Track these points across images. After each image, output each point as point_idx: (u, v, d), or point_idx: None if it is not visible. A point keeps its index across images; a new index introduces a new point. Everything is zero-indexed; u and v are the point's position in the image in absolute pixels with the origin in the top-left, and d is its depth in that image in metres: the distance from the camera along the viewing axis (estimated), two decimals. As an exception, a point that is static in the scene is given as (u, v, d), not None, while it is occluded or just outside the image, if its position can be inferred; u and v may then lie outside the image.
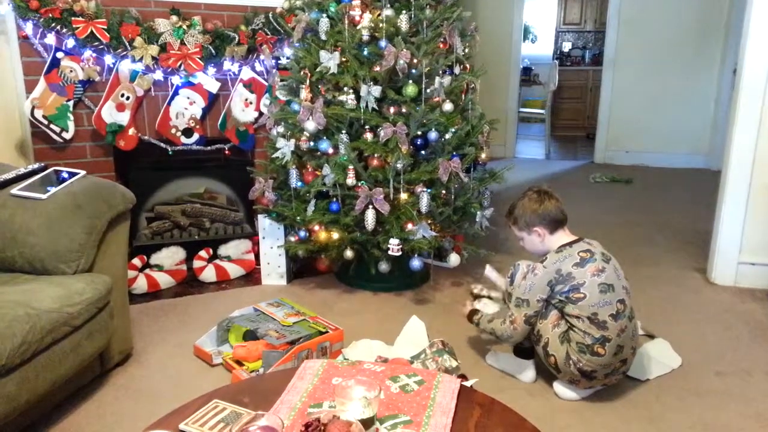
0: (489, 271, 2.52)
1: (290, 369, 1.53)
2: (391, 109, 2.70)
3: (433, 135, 2.68)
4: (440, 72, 2.77)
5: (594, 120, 6.69)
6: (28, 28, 2.76)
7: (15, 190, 2.12)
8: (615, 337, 1.97)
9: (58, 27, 2.78)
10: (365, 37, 2.65)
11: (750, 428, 1.97)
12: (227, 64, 3.11)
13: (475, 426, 1.28)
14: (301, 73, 2.78)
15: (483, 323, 2.25)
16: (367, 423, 1.20)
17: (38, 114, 2.84)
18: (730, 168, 3.03)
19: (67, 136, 2.93)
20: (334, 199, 2.73)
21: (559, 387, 2.12)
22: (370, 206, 2.63)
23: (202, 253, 3.16)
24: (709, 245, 3.23)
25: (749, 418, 2.02)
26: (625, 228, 4.07)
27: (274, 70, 3.12)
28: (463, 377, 2.14)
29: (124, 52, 2.90)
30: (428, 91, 2.70)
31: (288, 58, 3.06)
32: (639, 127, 6.10)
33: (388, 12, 2.66)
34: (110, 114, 2.95)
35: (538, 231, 2.12)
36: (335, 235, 2.76)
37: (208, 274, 3.09)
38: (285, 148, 2.79)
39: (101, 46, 2.86)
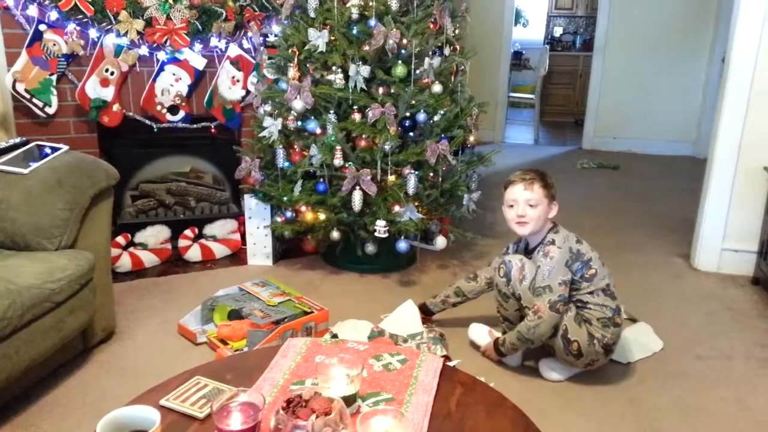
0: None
1: (274, 347, 1.52)
2: (380, 90, 2.68)
3: (421, 116, 2.67)
4: (430, 53, 2.74)
5: (583, 106, 6.68)
6: (9, -2, 2.70)
7: (-5, 164, 2.08)
8: (621, 306, 2.06)
9: (41, -2, 2.72)
10: (355, 16, 2.62)
11: (728, 411, 2.00)
12: (214, 41, 3.06)
13: (456, 404, 1.28)
14: (289, 51, 2.75)
15: (511, 338, 2.07)
16: (349, 400, 1.20)
17: (20, 87, 2.78)
18: (716, 156, 3.05)
19: (50, 110, 2.88)
20: (321, 180, 2.71)
21: (544, 367, 2.14)
22: (357, 187, 2.61)
23: (188, 232, 3.13)
24: (693, 231, 3.26)
25: (728, 401, 2.05)
26: (611, 213, 4.09)
27: (262, 48, 3.08)
28: (447, 357, 2.16)
29: (109, 26, 2.84)
30: (417, 71, 2.68)
31: (276, 35, 3.01)
32: (627, 114, 6.11)
33: (378, -10, 2.63)
34: (94, 89, 2.90)
35: (555, 205, 2.09)
36: (322, 216, 2.75)
37: (193, 254, 3.07)
38: (272, 127, 2.76)
39: (85, 20, 2.80)
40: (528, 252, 2.13)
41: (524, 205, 2.04)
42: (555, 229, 2.08)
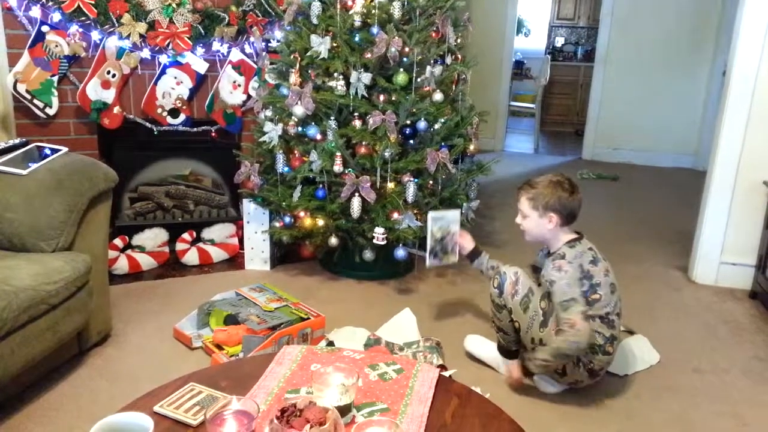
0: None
1: (269, 354, 1.52)
2: (381, 97, 2.68)
3: (422, 124, 2.67)
4: (431, 61, 2.75)
5: (583, 116, 6.70)
6: (12, -1, 2.70)
7: (-6, 164, 2.08)
8: (618, 334, 2.02)
9: (44, 0, 2.72)
10: (357, 23, 2.63)
11: (725, 425, 2.00)
12: (216, 45, 3.06)
13: (451, 415, 1.28)
14: (291, 56, 2.75)
15: (544, 354, 1.91)
16: (344, 410, 1.19)
17: (21, 88, 2.78)
18: (716, 169, 3.05)
19: (51, 111, 2.88)
20: (321, 186, 2.71)
21: (540, 381, 2.12)
22: (357, 194, 2.61)
23: (186, 236, 3.12)
24: (692, 244, 3.25)
25: (725, 414, 2.05)
26: (610, 225, 4.09)
27: (264, 53, 3.08)
28: (443, 367, 2.15)
29: (112, 29, 2.84)
30: (419, 80, 2.68)
31: (278, 41, 3.02)
32: (627, 125, 6.12)
33: (381, -2, 2.64)
34: (95, 91, 2.90)
35: (552, 217, 2.02)
36: (320, 222, 2.74)
37: (191, 257, 3.06)
38: (272, 132, 2.76)
39: (88, 22, 2.81)
40: (548, 255, 2.11)
41: (519, 214, 2.13)
42: (572, 244, 2.03)
